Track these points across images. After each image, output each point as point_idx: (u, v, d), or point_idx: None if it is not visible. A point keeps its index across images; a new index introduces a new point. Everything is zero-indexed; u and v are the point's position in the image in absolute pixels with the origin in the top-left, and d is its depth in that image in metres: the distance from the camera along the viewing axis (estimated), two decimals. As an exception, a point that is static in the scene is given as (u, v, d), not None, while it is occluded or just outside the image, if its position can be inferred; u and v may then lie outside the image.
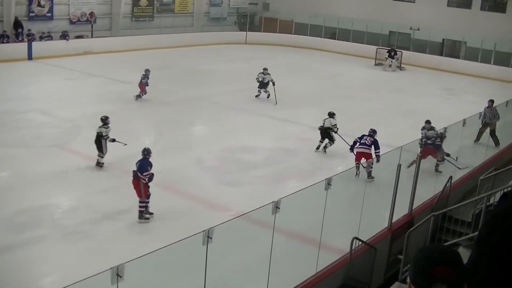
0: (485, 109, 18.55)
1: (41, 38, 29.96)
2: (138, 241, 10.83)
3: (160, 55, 31.61)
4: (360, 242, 10.36)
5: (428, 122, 16.29)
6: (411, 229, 10.66)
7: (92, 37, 32.73)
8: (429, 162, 15.62)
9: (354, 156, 14.97)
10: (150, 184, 11.76)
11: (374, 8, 37.66)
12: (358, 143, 14.97)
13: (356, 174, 14.44)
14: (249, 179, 14.66)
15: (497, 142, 18.25)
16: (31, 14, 30.15)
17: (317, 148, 17.04)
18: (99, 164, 14.53)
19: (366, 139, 14.89)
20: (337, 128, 16.82)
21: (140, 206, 11.71)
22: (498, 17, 33.80)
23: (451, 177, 13.54)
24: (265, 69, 23.14)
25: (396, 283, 9.46)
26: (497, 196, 10.84)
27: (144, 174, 11.61)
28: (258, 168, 15.52)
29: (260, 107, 21.92)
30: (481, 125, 18.40)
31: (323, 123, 16.90)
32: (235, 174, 14.95)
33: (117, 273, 6.11)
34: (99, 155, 14.48)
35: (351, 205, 12.06)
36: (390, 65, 33.27)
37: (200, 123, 20.61)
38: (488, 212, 10.26)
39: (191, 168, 14.99)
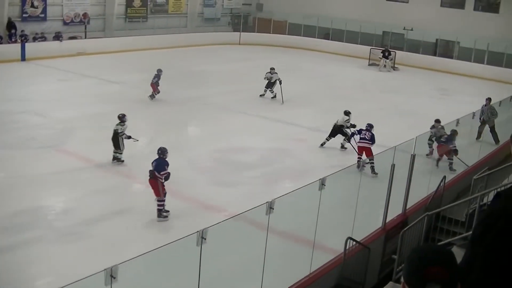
0: (482, 107, 18.88)
1: (34, 39, 29.84)
2: (133, 242, 10.80)
3: (154, 56, 31.53)
4: (354, 242, 10.37)
5: (437, 121, 16.70)
6: (405, 229, 10.69)
7: (85, 38, 32.62)
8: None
9: (355, 151, 15.87)
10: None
11: (367, 9, 37.71)
12: (358, 136, 15.74)
13: (358, 167, 14.95)
14: (244, 180, 14.65)
15: (496, 139, 18.55)
16: (24, 15, 30.03)
17: (322, 145, 17.28)
18: (119, 160, 14.91)
19: (365, 134, 15.57)
20: (350, 124, 17.09)
21: (158, 205, 11.88)
22: (491, 17, 33.93)
23: (444, 176, 13.59)
24: (272, 68, 23.33)
25: (390, 283, 9.48)
26: (491, 195, 10.89)
27: (162, 173, 11.76)
28: (253, 168, 15.52)
29: (255, 108, 21.91)
30: (479, 123, 18.64)
31: (337, 121, 17.22)
32: (230, 175, 14.94)
33: (111, 274, 6.10)
34: (115, 152, 14.87)
35: (345, 205, 12.06)
36: (384, 65, 33.34)
37: (194, 124, 20.58)
38: (482, 211, 10.27)
39: (186, 168, 14.95)
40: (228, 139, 17.86)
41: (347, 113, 17.25)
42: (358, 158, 15.55)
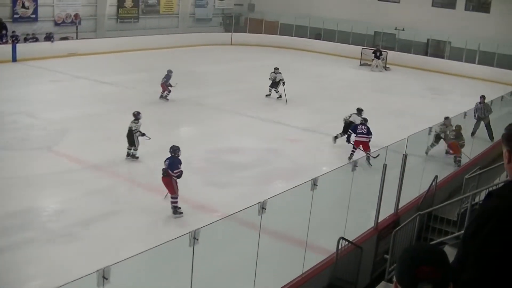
0: (476, 105, 19.11)
1: (25, 39, 29.74)
2: (127, 242, 10.76)
3: (145, 57, 31.51)
4: (347, 242, 10.38)
5: (447, 118, 16.84)
6: (397, 229, 10.71)
7: (77, 38, 32.50)
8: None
9: (353, 145, 16.21)
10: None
11: (359, 9, 37.78)
12: (357, 131, 16.07)
13: (350, 158, 15.49)
14: (236, 180, 14.65)
15: (491, 136, 18.74)
16: (15, 16, 29.90)
17: (335, 138, 17.52)
18: (134, 157, 15.19)
19: (362, 128, 16.04)
20: (362, 118, 17.19)
21: (172, 202, 12.08)
22: (482, 17, 34.09)
23: (436, 176, 13.62)
24: (276, 68, 23.41)
25: (383, 283, 9.50)
26: (482, 195, 10.92)
27: (175, 171, 11.94)
28: (246, 169, 15.51)
29: (248, 108, 21.88)
30: (475, 120, 18.87)
31: (349, 116, 17.38)
32: (223, 175, 14.93)
33: (103, 275, 6.08)
34: (129, 148, 15.16)
35: (337, 205, 12.06)
36: (377, 66, 33.42)
37: (187, 124, 20.53)
38: (474, 211, 10.32)
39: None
40: (221, 140, 17.83)
41: (359, 110, 17.47)
42: (352, 151, 16.05)
